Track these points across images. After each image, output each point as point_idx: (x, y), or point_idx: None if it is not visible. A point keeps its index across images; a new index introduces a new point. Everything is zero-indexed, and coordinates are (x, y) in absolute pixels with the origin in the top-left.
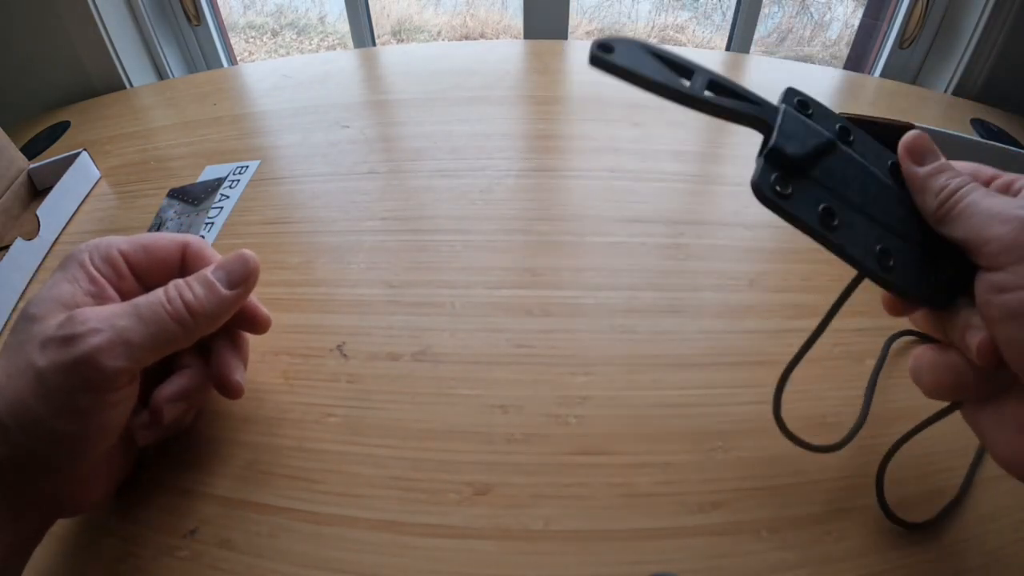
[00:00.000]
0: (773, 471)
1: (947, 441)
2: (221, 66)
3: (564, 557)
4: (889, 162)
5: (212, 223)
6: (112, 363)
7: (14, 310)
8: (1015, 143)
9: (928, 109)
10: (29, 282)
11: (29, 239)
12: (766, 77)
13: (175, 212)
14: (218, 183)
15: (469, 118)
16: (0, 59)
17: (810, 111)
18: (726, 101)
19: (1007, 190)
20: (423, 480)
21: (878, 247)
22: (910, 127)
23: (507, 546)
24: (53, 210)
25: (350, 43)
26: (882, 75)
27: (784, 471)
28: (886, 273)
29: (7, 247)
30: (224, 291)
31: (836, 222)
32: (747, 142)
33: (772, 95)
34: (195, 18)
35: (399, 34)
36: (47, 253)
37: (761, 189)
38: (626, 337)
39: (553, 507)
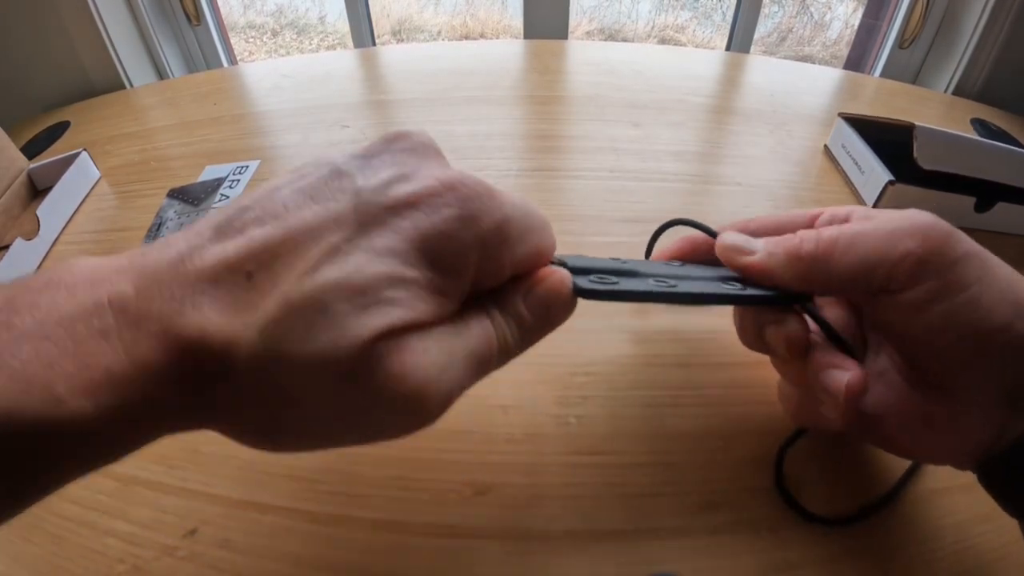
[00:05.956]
0: (773, 471)
1: None
2: (221, 66)
3: (564, 557)
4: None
5: None
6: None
7: None
8: (1015, 143)
9: (928, 109)
10: None
11: (29, 239)
12: (766, 77)
13: (175, 212)
14: (218, 183)
15: (469, 118)
16: (0, 59)
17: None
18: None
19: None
20: (423, 480)
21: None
22: (911, 127)
23: (507, 546)
24: (53, 210)
25: (350, 43)
26: (882, 75)
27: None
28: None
29: (7, 247)
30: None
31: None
32: (747, 142)
33: (772, 94)
34: (195, 18)
35: (399, 34)
36: (47, 253)
37: (582, 288)
38: (626, 337)
39: (553, 507)
